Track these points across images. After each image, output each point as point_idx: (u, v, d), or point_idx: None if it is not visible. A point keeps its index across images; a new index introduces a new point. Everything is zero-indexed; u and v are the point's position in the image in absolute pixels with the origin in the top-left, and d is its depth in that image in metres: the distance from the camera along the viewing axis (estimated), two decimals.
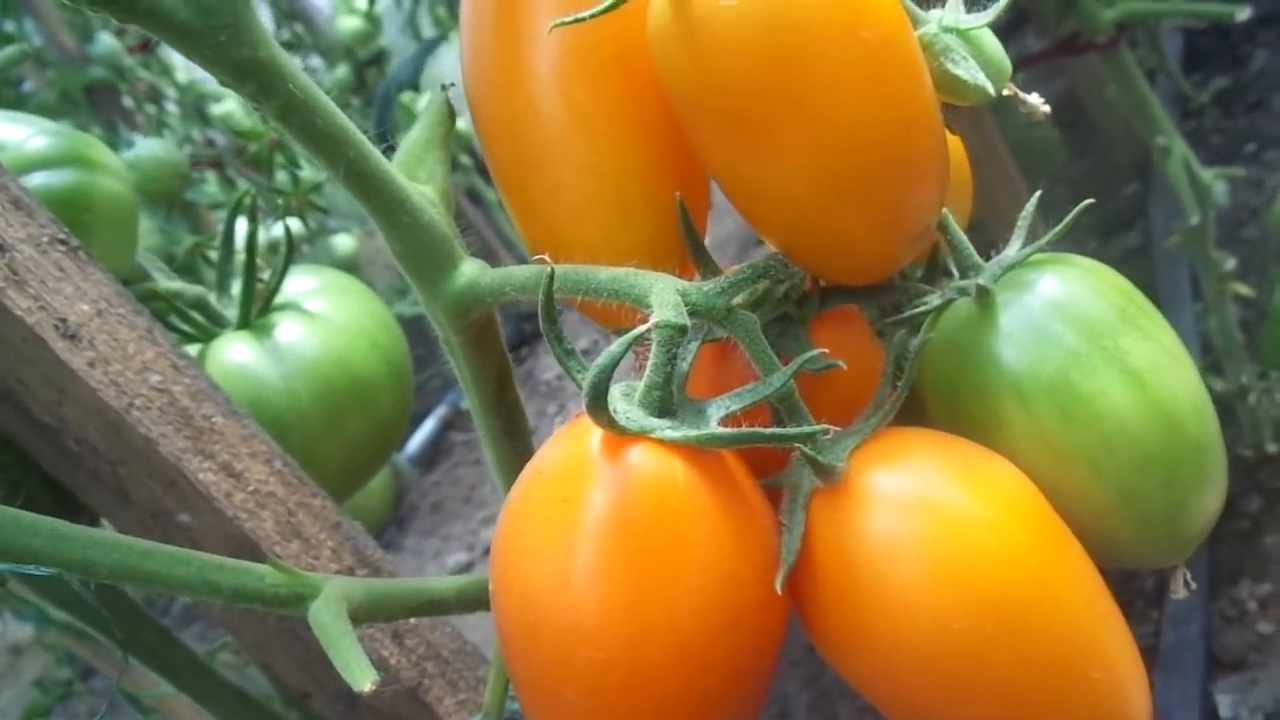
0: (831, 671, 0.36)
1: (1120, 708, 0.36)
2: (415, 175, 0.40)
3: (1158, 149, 1.07)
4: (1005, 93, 0.38)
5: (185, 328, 0.60)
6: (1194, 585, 0.41)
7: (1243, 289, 1.14)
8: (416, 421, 2.16)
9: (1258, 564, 1.10)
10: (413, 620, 0.51)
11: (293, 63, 0.35)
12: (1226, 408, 1.13)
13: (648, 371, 0.34)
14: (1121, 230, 1.60)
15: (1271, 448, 1.13)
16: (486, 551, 1.81)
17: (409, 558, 1.88)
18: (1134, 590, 1.11)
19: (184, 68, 2.22)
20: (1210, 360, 1.18)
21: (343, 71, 2.25)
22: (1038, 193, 0.43)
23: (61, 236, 0.46)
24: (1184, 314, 1.31)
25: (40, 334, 0.43)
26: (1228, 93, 1.67)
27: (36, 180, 0.52)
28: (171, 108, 2.13)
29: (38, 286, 0.43)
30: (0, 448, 0.47)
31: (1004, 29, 0.38)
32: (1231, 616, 1.09)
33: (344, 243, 2.14)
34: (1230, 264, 1.11)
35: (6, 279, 0.42)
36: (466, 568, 1.80)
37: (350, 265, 2.05)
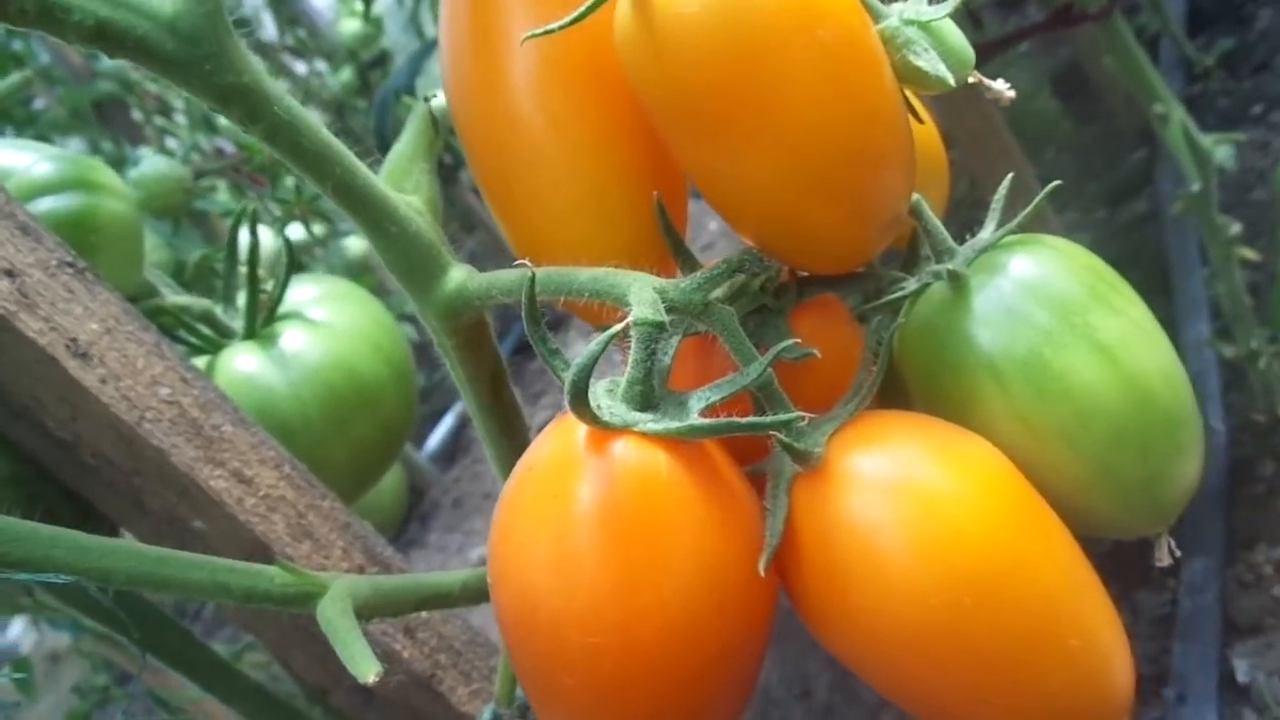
0: None
1: (1100, 672, 0.37)
2: (402, 186, 0.42)
3: (1156, 117, 1.07)
4: (971, 80, 0.39)
5: (193, 340, 0.62)
6: (1178, 553, 0.43)
7: (1249, 253, 1.13)
8: (436, 418, 2.18)
9: (1273, 529, 1.10)
10: (425, 614, 0.53)
11: (277, 85, 0.37)
12: (1238, 373, 1.13)
13: (629, 367, 0.36)
14: (1129, 197, 1.59)
15: None
16: None
17: (433, 553, 1.91)
18: (1150, 560, 1.12)
19: None
20: (1220, 325, 1.17)
21: (347, 74, 2.26)
22: (1009, 175, 0.44)
23: (69, 259, 0.47)
24: (1193, 279, 1.31)
25: (52, 354, 0.45)
26: (1233, 54, 1.66)
27: (43, 205, 0.54)
28: (180, 119, 2.16)
29: (48, 308, 0.45)
30: (20, 462, 0.49)
31: (1005, 1, 0.38)
32: (1248, 581, 1.09)
33: (354, 245, 2.16)
34: (1236, 228, 1.11)
35: (18, 303, 0.44)
36: None
37: (361, 267, 2.06)
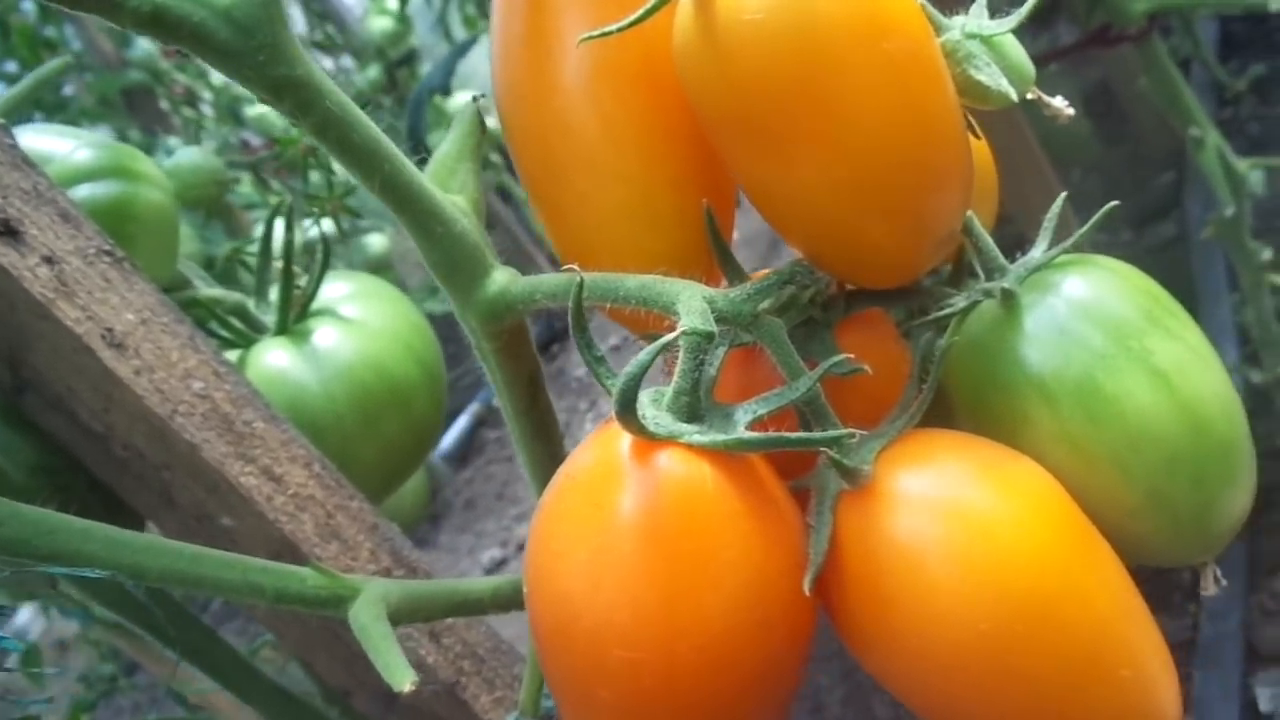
0: None
1: (1150, 704, 0.36)
2: (447, 186, 0.41)
3: (1191, 140, 1.06)
4: (1029, 96, 0.39)
5: (225, 334, 0.62)
6: (1224, 582, 0.42)
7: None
8: (449, 419, 2.18)
9: None
10: (449, 619, 0.52)
11: (329, 79, 0.36)
12: (1264, 399, 1.12)
13: (675, 377, 0.35)
14: (1156, 220, 1.58)
15: None
16: (520, 548, 1.83)
17: (444, 554, 1.90)
18: (1171, 584, 1.10)
19: None
20: (1248, 351, 1.16)
21: (374, 71, 2.27)
22: (1063, 194, 0.43)
23: (107, 248, 0.47)
24: (1221, 305, 1.30)
25: (88, 343, 0.44)
26: (1264, 80, 1.65)
27: (82, 192, 0.54)
28: (207, 110, 2.17)
29: (85, 297, 0.45)
30: (50, 453, 0.48)
31: (1035, 20, 0.38)
32: (1271, 609, 1.08)
33: (376, 242, 2.17)
34: (1267, 254, 1.10)
35: (56, 290, 0.44)
36: (500, 563, 1.82)
37: (382, 264, 2.07)
